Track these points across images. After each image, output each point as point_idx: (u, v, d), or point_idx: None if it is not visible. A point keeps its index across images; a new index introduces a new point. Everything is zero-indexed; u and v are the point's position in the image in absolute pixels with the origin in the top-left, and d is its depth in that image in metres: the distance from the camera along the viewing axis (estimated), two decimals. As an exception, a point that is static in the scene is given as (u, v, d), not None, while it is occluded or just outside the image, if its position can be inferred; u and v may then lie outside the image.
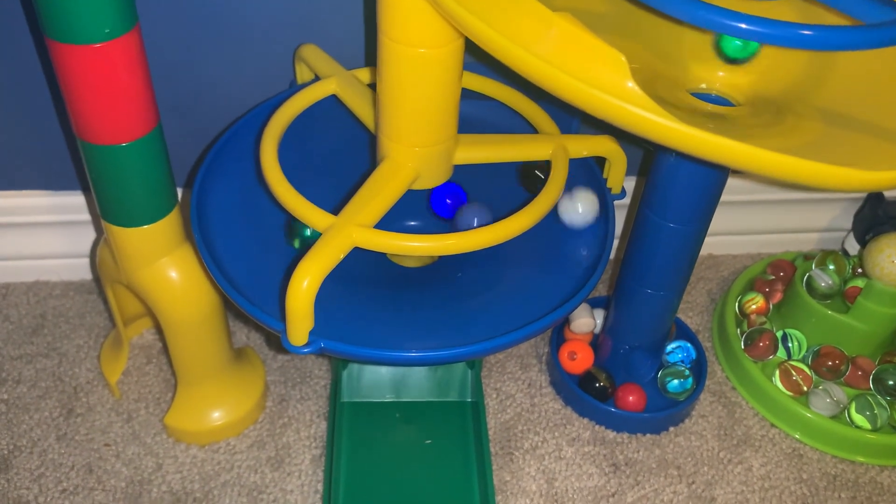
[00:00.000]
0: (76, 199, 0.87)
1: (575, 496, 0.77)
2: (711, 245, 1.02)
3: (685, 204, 0.69)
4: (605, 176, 0.70)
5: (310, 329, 0.56)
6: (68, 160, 0.84)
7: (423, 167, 0.62)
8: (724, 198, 0.94)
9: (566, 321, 0.88)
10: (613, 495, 0.77)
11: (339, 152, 0.76)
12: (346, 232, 0.56)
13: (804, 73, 0.62)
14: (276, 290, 0.63)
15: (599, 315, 0.87)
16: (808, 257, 0.92)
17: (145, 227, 0.66)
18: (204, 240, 0.64)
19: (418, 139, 0.60)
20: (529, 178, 0.70)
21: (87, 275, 0.93)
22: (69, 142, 0.82)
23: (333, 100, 0.73)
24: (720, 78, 0.64)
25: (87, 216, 0.88)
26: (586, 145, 0.66)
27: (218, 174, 0.70)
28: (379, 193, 0.60)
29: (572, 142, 0.66)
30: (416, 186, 0.63)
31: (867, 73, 0.59)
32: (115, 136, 0.60)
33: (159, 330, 0.88)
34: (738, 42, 0.62)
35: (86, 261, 0.92)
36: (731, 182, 0.94)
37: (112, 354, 0.83)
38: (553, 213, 0.71)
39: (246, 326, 0.89)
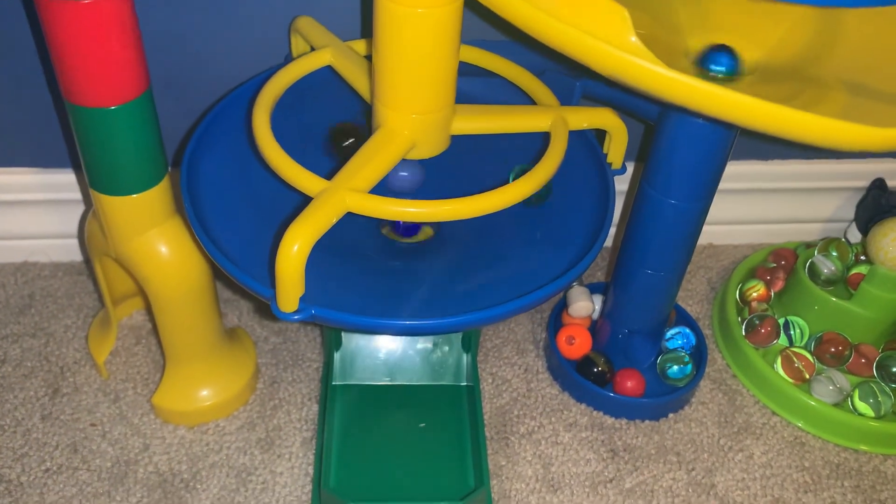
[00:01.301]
0: (67, 177, 0.86)
1: (572, 481, 0.75)
2: (711, 235, 1.00)
3: (687, 180, 0.67)
4: (605, 151, 0.69)
5: (300, 295, 0.54)
6: (59, 135, 0.82)
7: (419, 135, 0.61)
8: (725, 185, 0.94)
9: (564, 305, 0.86)
10: (611, 481, 0.75)
11: (336, 117, 0.74)
12: (339, 196, 0.55)
13: (812, 43, 0.61)
14: (266, 259, 0.61)
15: (598, 301, 0.86)
16: (809, 246, 0.90)
17: (134, 196, 0.65)
18: (194, 207, 0.63)
19: (415, 106, 0.59)
20: (336, 140, 0.70)
21: (77, 256, 0.91)
22: (60, 116, 0.81)
23: (328, 75, 0.72)
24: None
25: (77, 195, 0.87)
26: (586, 117, 0.65)
27: (209, 145, 0.69)
28: (373, 159, 0.58)
29: (572, 113, 0.65)
30: (412, 156, 0.62)
31: (872, 41, 0.58)
32: (103, 97, 0.58)
33: (149, 311, 0.86)
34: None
35: (76, 242, 0.91)
36: (733, 169, 0.93)
37: (100, 334, 0.81)
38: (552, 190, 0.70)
39: (237, 309, 0.87)
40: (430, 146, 0.62)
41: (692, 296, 0.94)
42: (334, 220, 0.55)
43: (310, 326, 0.86)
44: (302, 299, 0.55)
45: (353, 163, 0.58)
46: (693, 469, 0.77)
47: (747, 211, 0.98)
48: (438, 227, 0.72)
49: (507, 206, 0.57)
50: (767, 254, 0.95)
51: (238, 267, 0.58)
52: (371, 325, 0.56)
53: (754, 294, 0.89)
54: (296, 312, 0.55)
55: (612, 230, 0.97)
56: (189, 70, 0.78)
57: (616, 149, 0.67)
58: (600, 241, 0.63)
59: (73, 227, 0.89)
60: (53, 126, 0.81)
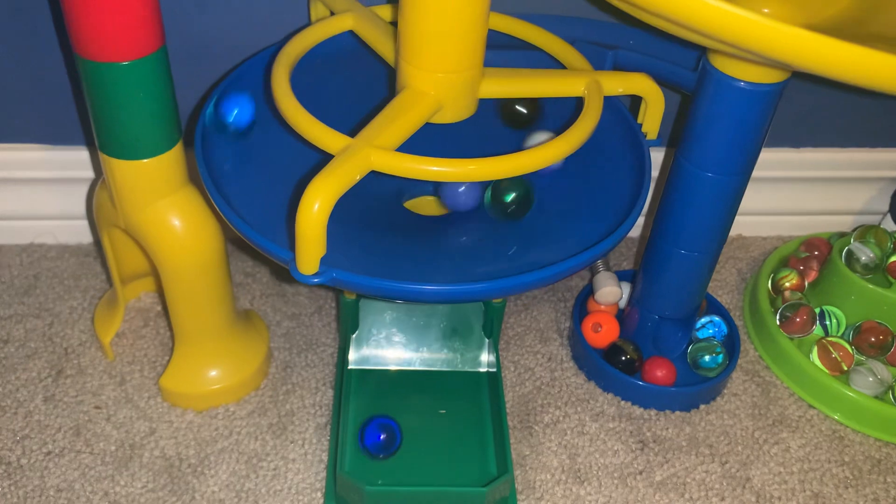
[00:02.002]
0: (78, 155, 0.83)
1: (600, 472, 0.71)
2: (741, 226, 0.97)
3: (725, 151, 0.64)
4: (639, 120, 0.66)
5: (321, 255, 0.51)
6: (72, 109, 0.80)
7: (445, 96, 0.57)
8: (754, 174, 0.90)
9: (590, 292, 0.83)
10: (641, 473, 0.71)
11: (353, 100, 0.71)
12: (363, 152, 0.52)
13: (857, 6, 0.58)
14: (284, 226, 0.58)
15: (625, 289, 0.82)
16: (843, 236, 0.87)
17: (145, 160, 0.61)
18: (209, 171, 0.59)
19: (442, 64, 0.56)
20: (512, 114, 0.68)
21: (85, 238, 0.88)
22: (74, 88, 0.78)
23: (348, 48, 0.69)
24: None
25: (89, 173, 0.84)
26: (621, 82, 0.62)
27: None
28: (398, 119, 0.55)
29: (606, 78, 0.61)
30: (437, 119, 0.59)
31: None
32: (116, 51, 0.55)
33: (160, 293, 0.83)
34: None
35: (85, 223, 0.88)
36: (763, 156, 0.89)
37: (106, 314, 0.78)
38: (582, 160, 0.67)
39: (249, 293, 0.84)
40: (456, 109, 0.59)
41: (722, 286, 0.90)
42: (357, 178, 0.51)
43: (324, 311, 0.83)
44: (323, 262, 0.52)
45: (376, 121, 0.55)
46: (727, 462, 0.73)
47: (777, 201, 0.95)
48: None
49: (534, 169, 0.54)
50: (800, 243, 0.91)
51: (256, 229, 0.55)
52: (394, 290, 0.53)
53: (787, 284, 0.85)
54: (316, 275, 0.52)
55: (640, 220, 0.94)
56: (204, 41, 0.76)
57: (651, 117, 0.64)
58: (637, 209, 0.60)
59: (83, 207, 0.86)
60: (66, 100, 0.79)
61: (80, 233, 0.88)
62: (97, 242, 0.88)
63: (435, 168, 0.52)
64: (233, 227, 0.57)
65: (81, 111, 0.80)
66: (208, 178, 0.58)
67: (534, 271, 0.54)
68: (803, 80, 0.84)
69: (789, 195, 0.95)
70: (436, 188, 0.69)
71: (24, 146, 0.82)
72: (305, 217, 0.50)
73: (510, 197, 0.62)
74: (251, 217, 0.58)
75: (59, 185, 0.84)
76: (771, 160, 0.91)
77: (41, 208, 0.86)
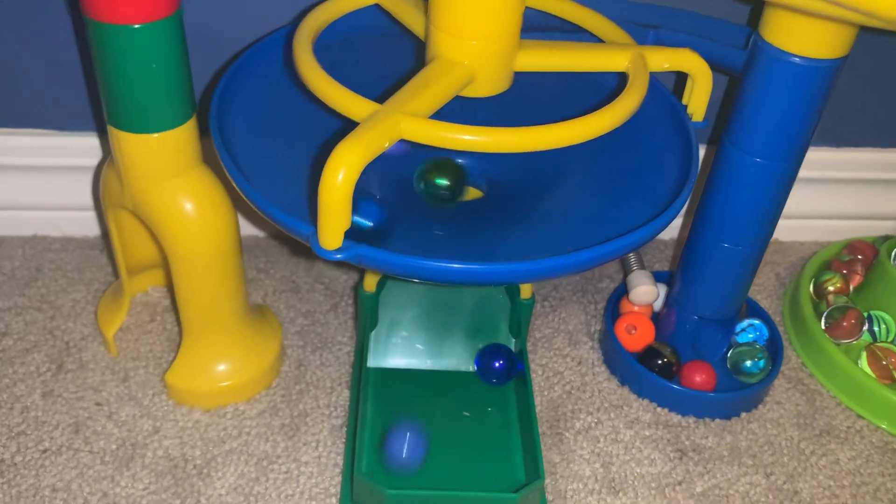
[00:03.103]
0: (87, 142, 0.79)
1: (636, 482, 0.66)
2: (777, 230, 0.91)
3: (776, 134, 0.60)
4: (685, 101, 0.61)
5: (345, 229, 0.47)
6: (82, 92, 0.76)
7: (479, 66, 0.53)
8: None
9: (623, 292, 0.78)
10: (680, 483, 0.66)
11: (373, 87, 0.67)
12: (392, 118, 0.47)
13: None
14: (305, 202, 0.54)
15: (661, 290, 0.78)
16: (888, 238, 0.82)
17: (155, 135, 0.58)
18: (224, 143, 0.55)
19: (476, 29, 0.52)
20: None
21: (91, 230, 0.84)
22: (85, 68, 0.74)
23: (367, 31, 0.66)
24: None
25: (99, 161, 0.80)
26: (667, 57, 0.57)
27: (241, 86, 0.62)
28: (429, 87, 0.51)
29: (651, 53, 0.57)
30: (469, 92, 0.55)
31: None
32: (127, 13, 0.52)
33: (169, 288, 0.79)
34: None
35: (92, 214, 0.84)
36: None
37: (111, 306, 0.73)
38: (623, 143, 0.63)
39: (262, 288, 0.80)
40: (490, 81, 0.55)
41: (760, 290, 0.86)
42: (385, 146, 0.47)
43: (340, 308, 0.79)
44: (346, 236, 0.47)
45: (405, 90, 0.51)
46: (772, 474, 0.68)
47: (816, 204, 0.90)
48: (491, 185, 0.64)
49: (573, 142, 0.50)
50: (842, 246, 0.86)
51: (274, 203, 0.51)
52: (421, 268, 0.48)
53: (831, 287, 0.80)
54: (339, 250, 0.47)
55: (678, 220, 0.89)
56: (219, 24, 0.72)
57: (698, 96, 0.60)
58: (686, 190, 0.55)
59: (90, 198, 0.82)
60: (75, 80, 0.75)
61: (86, 225, 0.84)
62: (104, 235, 0.84)
63: (469, 137, 0.48)
64: (249, 201, 0.52)
65: (92, 93, 0.76)
66: (223, 150, 0.54)
67: (573, 252, 0.50)
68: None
69: (828, 197, 0.90)
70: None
71: (28, 131, 0.78)
72: (329, 185, 0.45)
73: (441, 182, 0.59)
74: (269, 192, 0.53)
75: (66, 173, 0.80)
76: (809, 160, 0.86)
77: (46, 198, 0.82)
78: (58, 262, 0.81)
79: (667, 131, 0.61)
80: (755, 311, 0.78)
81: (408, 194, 0.63)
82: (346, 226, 0.47)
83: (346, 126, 0.47)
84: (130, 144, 0.58)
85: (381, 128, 0.47)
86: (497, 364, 0.69)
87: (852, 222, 0.92)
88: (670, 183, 0.58)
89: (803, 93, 0.57)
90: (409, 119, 0.48)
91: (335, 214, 0.46)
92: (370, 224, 0.55)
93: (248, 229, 0.85)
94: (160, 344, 0.74)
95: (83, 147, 0.79)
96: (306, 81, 0.52)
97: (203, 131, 0.61)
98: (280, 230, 0.85)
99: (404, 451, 0.62)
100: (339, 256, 0.47)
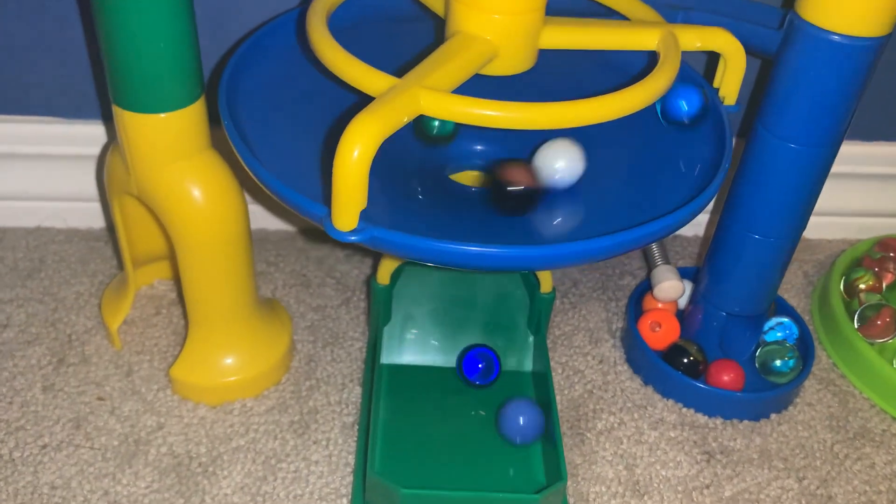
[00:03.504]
0: (93, 130, 0.77)
1: (661, 486, 0.63)
2: (804, 227, 0.89)
3: (813, 117, 0.57)
4: (716, 84, 0.58)
5: (360, 209, 0.44)
6: (88, 76, 0.73)
7: (502, 41, 0.51)
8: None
9: (647, 287, 0.75)
10: (708, 487, 0.63)
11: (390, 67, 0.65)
12: (411, 92, 0.45)
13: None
14: (316, 183, 0.51)
15: (687, 287, 0.74)
16: (923, 236, 0.79)
17: (162, 115, 0.55)
18: (234, 124, 0.53)
19: (499, 3, 0.49)
20: (501, 194, 0.53)
21: (97, 222, 0.82)
22: (91, 50, 0.72)
23: (378, 15, 0.64)
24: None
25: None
26: (699, 35, 0.55)
27: (252, 66, 0.59)
28: (450, 62, 0.48)
29: (682, 31, 0.54)
30: (491, 70, 0.52)
31: None
32: (134, -17, 0.49)
33: (176, 280, 0.76)
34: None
35: (98, 206, 0.81)
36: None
37: (115, 298, 0.71)
38: (651, 128, 0.60)
39: (272, 282, 0.77)
40: (513, 58, 0.52)
41: (787, 289, 0.82)
42: (404, 121, 0.44)
43: (352, 303, 0.76)
44: (362, 217, 0.45)
45: (425, 64, 0.48)
46: (804, 478, 0.65)
47: (845, 200, 0.87)
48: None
49: (601, 120, 0.47)
50: (873, 243, 0.83)
51: (284, 182, 0.48)
52: (439, 251, 0.45)
53: (863, 285, 0.77)
54: (354, 232, 0.45)
55: (704, 217, 0.86)
56: (228, 10, 0.70)
57: (731, 78, 0.57)
58: (721, 174, 0.52)
59: (95, 188, 0.80)
60: (81, 64, 0.73)
61: (92, 216, 0.82)
62: (110, 227, 0.81)
63: (494, 113, 0.45)
64: (259, 181, 0.50)
65: (98, 78, 0.74)
66: (232, 128, 0.52)
67: (601, 236, 0.47)
68: None
69: (858, 193, 0.87)
70: (485, 163, 0.62)
71: (31, 118, 0.76)
72: (344, 162, 0.42)
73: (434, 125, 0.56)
74: (281, 173, 0.51)
75: (72, 162, 0.78)
76: (837, 154, 0.83)
77: (51, 188, 0.80)
78: (61, 254, 0.78)
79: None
80: (784, 308, 0.75)
81: (432, 181, 0.60)
82: (361, 206, 0.44)
83: (363, 104, 0.45)
84: (135, 125, 0.55)
85: (399, 102, 0.44)
86: (476, 367, 0.66)
87: (883, 220, 0.89)
88: (703, 168, 0.55)
89: (843, 74, 0.54)
90: (429, 93, 0.45)
91: (350, 193, 0.43)
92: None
93: (258, 222, 0.83)
94: (166, 338, 0.71)
95: (89, 135, 0.77)
96: (320, 55, 0.49)
97: (213, 120, 0.59)
98: (293, 219, 0.83)
99: (517, 438, 0.62)
100: (353, 238, 0.45)
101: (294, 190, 0.48)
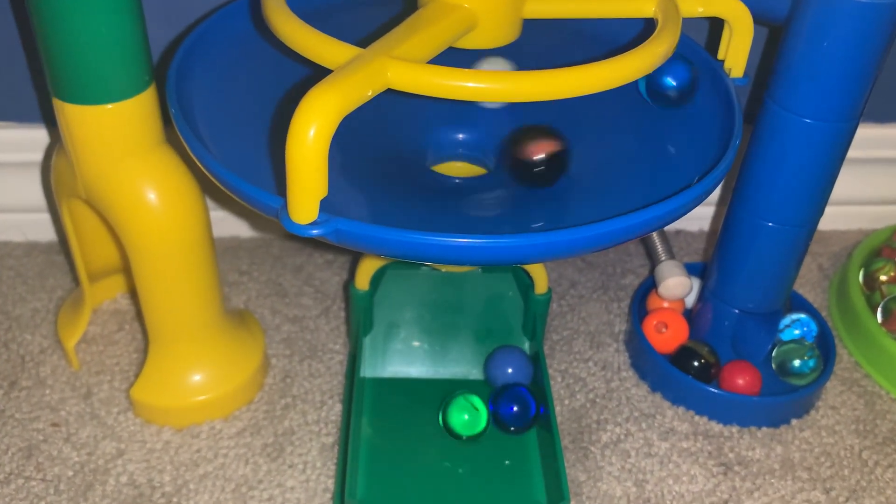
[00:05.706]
0: (39, 134, 0.71)
1: (675, 502, 0.57)
2: (816, 218, 0.83)
3: (829, 89, 0.51)
4: (720, 56, 0.53)
5: (320, 197, 0.38)
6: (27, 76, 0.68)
7: (481, 10, 0.45)
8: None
9: (652, 285, 0.69)
10: (726, 502, 0.57)
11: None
12: (378, 62, 0.39)
13: None
14: (278, 174, 0.46)
15: (694, 283, 0.69)
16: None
17: (109, 106, 0.49)
18: (183, 113, 0.47)
19: (477, -34, 0.44)
20: (526, 170, 0.49)
21: (60, 234, 0.76)
22: (27, 46, 0.66)
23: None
24: None
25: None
26: (701, 0, 0.49)
27: (204, 53, 0.54)
28: (422, 31, 0.43)
29: (682, -4, 0.49)
30: (469, 43, 0.47)
31: None
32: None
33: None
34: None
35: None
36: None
37: (72, 314, 0.65)
38: (645, 106, 0.54)
39: (244, 292, 0.71)
40: (494, 30, 0.47)
41: (801, 283, 0.77)
42: (369, 95, 0.39)
43: (332, 313, 0.70)
44: (323, 207, 0.39)
45: (393, 33, 0.43)
46: (832, 489, 0.59)
47: (859, 188, 0.82)
48: (496, 161, 0.56)
49: (588, 92, 0.41)
50: (892, 232, 0.78)
51: (237, 173, 0.42)
52: (413, 244, 0.40)
53: (884, 276, 0.71)
54: (314, 224, 0.39)
55: (709, 210, 0.81)
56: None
57: (737, 47, 0.51)
58: (731, 152, 0.46)
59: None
60: (20, 64, 0.67)
61: (51, 228, 0.76)
62: (63, 238, 0.75)
63: (472, 84, 0.39)
64: (209, 174, 0.44)
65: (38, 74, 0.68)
66: (180, 116, 0.46)
67: (599, 222, 0.41)
68: None
69: (873, 179, 0.81)
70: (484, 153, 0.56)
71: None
72: (298, 143, 0.37)
73: None
74: (235, 166, 0.45)
75: (27, 170, 0.72)
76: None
77: (6, 199, 0.74)
78: (18, 269, 0.73)
79: (701, 91, 0.53)
80: (800, 304, 0.69)
81: (411, 172, 0.55)
82: (321, 194, 0.38)
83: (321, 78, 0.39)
84: (78, 119, 0.50)
85: (363, 73, 0.38)
86: (511, 409, 0.58)
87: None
88: (710, 148, 0.49)
89: (863, 37, 0.49)
90: (398, 64, 0.39)
91: (306, 179, 0.37)
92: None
93: (229, 229, 0.77)
94: (128, 356, 0.65)
95: (37, 140, 0.71)
96: (274, 27, 0.44)
97: (166, 116, 0.53)
98: (267, 225, 0.77)
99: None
100: (314, 232, 0.39)
101: (244, 180, 0.42)
